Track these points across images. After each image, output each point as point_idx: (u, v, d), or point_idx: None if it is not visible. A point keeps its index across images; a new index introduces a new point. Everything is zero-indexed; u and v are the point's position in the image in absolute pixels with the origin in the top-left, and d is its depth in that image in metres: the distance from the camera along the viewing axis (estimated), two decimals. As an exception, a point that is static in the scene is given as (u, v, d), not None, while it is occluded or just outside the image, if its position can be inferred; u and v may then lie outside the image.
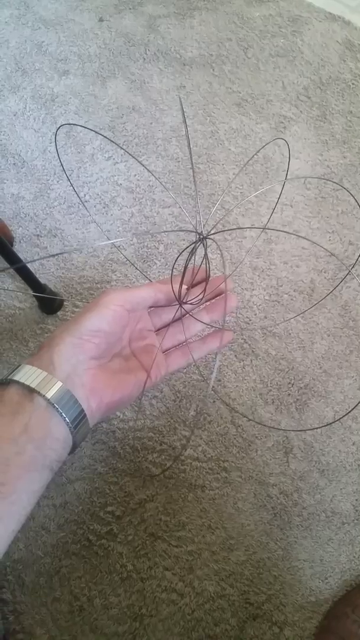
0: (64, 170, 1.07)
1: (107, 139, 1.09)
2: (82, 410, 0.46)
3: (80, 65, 1.20)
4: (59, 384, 0.45)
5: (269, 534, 0.82)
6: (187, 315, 0.58)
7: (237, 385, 0.90)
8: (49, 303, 0.93)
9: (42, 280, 0.93)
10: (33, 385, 0.44)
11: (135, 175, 1.07)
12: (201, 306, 0.58)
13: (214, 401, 0.88)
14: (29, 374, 0.45)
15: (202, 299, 0.57)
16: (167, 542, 0.80)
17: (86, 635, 0.75)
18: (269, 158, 1.09)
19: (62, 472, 0.84)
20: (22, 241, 1.00)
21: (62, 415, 0.45)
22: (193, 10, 1.29)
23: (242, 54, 1.22)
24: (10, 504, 0.42)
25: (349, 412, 0.88)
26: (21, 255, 0.86)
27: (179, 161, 1.08)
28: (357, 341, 0.93)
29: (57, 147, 1.09)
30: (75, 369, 0.47)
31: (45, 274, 0.98)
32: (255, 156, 1.09)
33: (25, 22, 1.27)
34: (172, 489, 0.83)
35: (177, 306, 0.57)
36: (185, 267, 0.55)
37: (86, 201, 1.04)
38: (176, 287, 0.55)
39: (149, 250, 1.00)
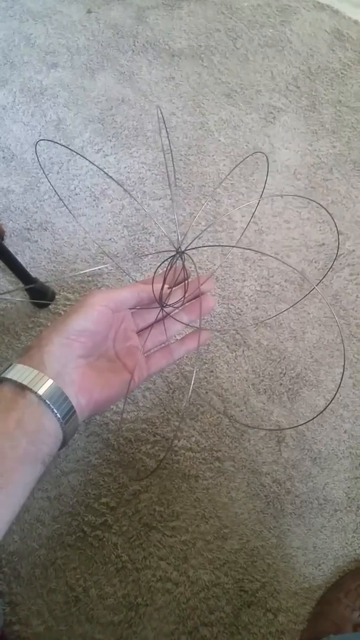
0: (46, 176, 1.07)
1: (82, 156, 1.09)
2: (72, 407, 0.48)
3: (69, 58, 1.20)
4: (50, 382, 0.46)
5: (262, 522, 0.82)
6: (168, 316, 0.59)
7: (229, 376, 0.90)
8: (40, 297, 0.93)
9: (33, 274, 0.93)
10: (25, 383, 0.45)
11: (125, 167, 1.07)
12: (180, 307, 0.59)
13: (206, 392, 0.89)
14: (20, 372, 0.46)
15: (182, 300, 0.58)
16: (162, 532, 0.81)
17: (82, 625, 0.76)
18: (259, 149, 1.09)
19: (57, 465, 0.84)
20: (12, 235, 1.00)
21: (53, 411, 0.46)
22: (181, 1, 1.28)
23: (231, 45, 1.22)
24: (7, 495, 0.43)
25: (332, 399, 0.89)
26: (12, 249, 0.87)
27: (168, 153, 1.08)
28: (347, 330, 0.93)
29: (47, 139, 1.09)
30: (64, 367, 0.48)
31: (36, 267, 0.98)
32: (245, 147, 1.09)
33: (12, 14, 1.26)
34: (166, 480, 0.84)
35: (159, 307, 0.58)
36: (166, 276, 0.56)
37: (76, 194, 1.04)
38: (157, 287, 0.56)
39: (140, 242, 1.00)
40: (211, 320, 0.93)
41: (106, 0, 1.28)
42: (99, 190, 1.05)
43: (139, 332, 0.60)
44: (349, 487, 0.85)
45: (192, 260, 0.56)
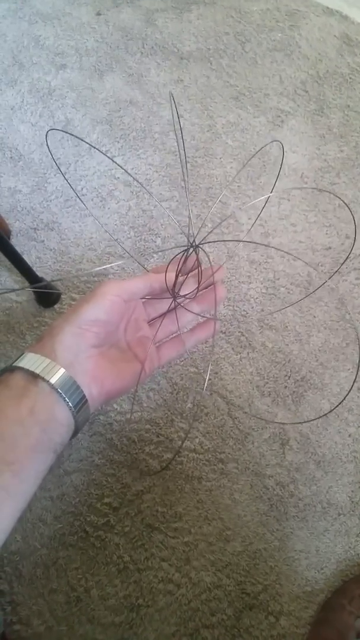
0: (59, 168, 1.07)
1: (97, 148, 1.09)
2: (84, 396, 0.47)
3: (77, 59, 1.20)
4: (61, 371, 0.46)
5: (265, 525, 0.82)
6: (179, 306, 0.59)
7: (234, 378, 0.90)
8: (45, 296, 0.93)
9: (39, 274, 0.93)
10: (37, 371, 0.45)
11: (132, 168, 1.07)
12: (191, 297, 0.59)
13: (210, 393, 0.89)
14: (32, 361, 0.46)
15: (195, 291, 0.58)
16: (164, 533, 0.81)
17: (83, 626, 0.76)
18: (266, 152, 1.09)
19: (60, 464, 0.84)
20: (19, 235, 1.00)
21: (65, 400, 0.46)
22: (191, 4, 1.29)
23: (240, 48, 1.22)
24: (20, 482, 0.43)
25: (341, 401, 0.88)
26: (18, 249, 0.87)
27: (176, 154, 1.09)
28: (353, 334, 0.93)
29: (55, 141, 1.09)
30: (76, 357, 0.48)
31: (42, 267, 0.98)
32: (252, 150, 1.09)
33: (22, 16, 1.27)
34: (168, 481, 0.84)
35: (170, 298, 0.58)
36: (179, 267, 0.56)
37: (83, 195, 1.04)
38: (170, 277, 0.55)
39: (147, 243, 1.00)
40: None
41: (115, 3, 1.29)
42: (106, 191, 1.05)
43: (150, 322, 0.60)
44: (352, 491, 0.84)
45: (206, 253, 0.56)
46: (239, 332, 0.93)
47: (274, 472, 0.85)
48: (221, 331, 0.93)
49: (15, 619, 0.76)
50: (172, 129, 1.11)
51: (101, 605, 0.77)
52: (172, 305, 0.59)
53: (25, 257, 0.89)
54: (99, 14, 1.27)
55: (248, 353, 0.92)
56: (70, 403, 0.46)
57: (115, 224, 1.02)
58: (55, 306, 0.94)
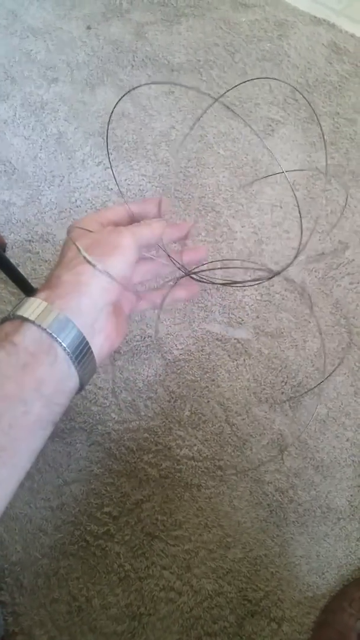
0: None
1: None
2: (94, 361, 0.46)
3: (69, 73, 1.21)
4: (80, 335, 0.43)
5: (265, 531, 0.82)
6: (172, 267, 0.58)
7: (230, 385, 0.90)
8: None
9: (35, 285, 0.94)
10: (55, 334, 0.42)
11: (125, 179, 1.08)
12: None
13: (208, 401, 0.89)
14: (52, 318, 0.42)
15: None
16: (164, 542, 0.81)
17: (85, 636, 0.76)
18: (258, 160, 1.10)
19: (59, 474, 0.84)
20: (14, 247, 1.01)
21: (76, 368, 0.43)
22: (180, 16, 1.30)
23: (230, 59, 1.24)
24: (11, 468, 0.40)
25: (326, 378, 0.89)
26: (13, 261, 0.87)
27: (168, 165, 1.09)
28: (348, 338, 0.94)
29: (48, 153, 1.10)
30: (98, 315, 0.46)
31: (37, 278, 0.98)
32: (244, 158, 1.10)
33: (13, 32, 1.28)
34: (168, 489, 0.84)
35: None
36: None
37: (77, 206, 1.05)
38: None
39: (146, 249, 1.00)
40: (212, 330, 0.94)
41: (106, 17, 1.30)
42: (100, 202, 1.06)
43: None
44: (352, 495, 0.84)
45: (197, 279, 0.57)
46: (235, 338, 0.93)
47: (273, 478, 0.85)
48: (217, 339, 0.93)
49: (18, 630, 0.76)
50: (164, 139, 1.12)
51: (103, 614, 0.77)
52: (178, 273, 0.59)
53: (20, 269, 0.89)
54: (89, 28, 1.28)
55: (244, 360, 0.92)
56: (81, 370, 0.44)
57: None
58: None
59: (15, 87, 1.19)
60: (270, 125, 1.14)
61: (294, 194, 1.06)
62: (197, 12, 1.31)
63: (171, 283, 0.59)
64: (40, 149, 1.11)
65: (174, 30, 1.28)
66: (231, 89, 1.17)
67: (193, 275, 0.58)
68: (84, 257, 0.45)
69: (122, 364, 0.91)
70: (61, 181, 1.08)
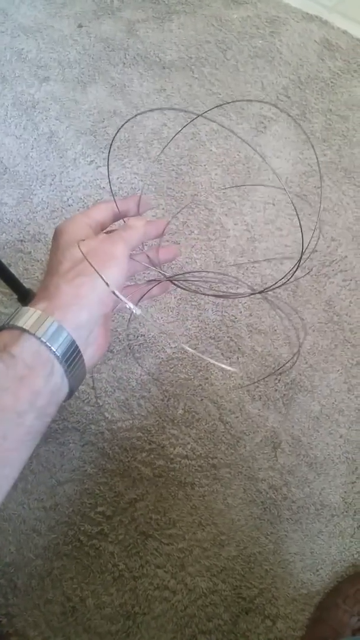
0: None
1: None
2: (85, 373, 0.46)
3: (60, 71, 1.21)
4: (76, 349, 0.44)
5: (259, 528, 0.82)
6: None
7: (224, 383, 0.90)
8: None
9: (27, 285, 0.93)
10: (54, 348, 0.42)
11: (117, 178, 1.08)
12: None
13: (201, 399, 0.89)
14: (52, 332, 0.42)
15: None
16: (158, 540, 0.81)
17: (80, 636, 0.76)
18: (250, 158, 1.10)
19: (52, 475, 0.84)
20: (6, 247, 1.01)
21: (68, 380, 0.44)
22: (171, 14, 1.30)
23: (221, 56, 1.23)
24: (2, 479, 0.41)
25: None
26: (5, 261, 0.87)
27: (161, 163, 1.09)
28: (341, 335, 0.94)
29: (40, 152, 1.10)
30: (94, 327, 0.47)
31: (30, 278, 0.98)
32: (236, 156, 1.10)
33: (4, 30, 1.27)
34: (161, 488, 0.84)
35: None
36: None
37: (69, 205, 1.05)
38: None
39: (132, 251, 1.00)
40: (205, 328, 0.94)
41: (97, 15, 1.30)
42: (92, 201, 1.05)
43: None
44: (345, 492, 0.84)
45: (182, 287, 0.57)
46: (228, 337, 0.93)
47: (266, 476, 0.85)
48: (210, 336, 0.93)
49: (12, 631, 0.76)
50: (156, 137, 1.12)
51: (97, 614, 0.77)
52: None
53: (12, 269, 0.89)
54: (80, 26, 1.28)
55: (238, 357, 0.92)
56: (72, 382, 0.44)
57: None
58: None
59: (6, 86, 1.19)
60: (262, 122, 1.14)
61: (289, 196, 1.06)
62: (188, 9, 1.30)
63: (149, 284, 0.60)
64: (32, 148, 1.11)
65: (166, 28, 1.28)
66: (213, 108, 1.17)
67: (175, 282, 0.59)
68: (100, 277, 0.45)
69: (115, 363, 0.91)
70: (53, 180, 1.07)
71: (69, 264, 0.47)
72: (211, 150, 1.11)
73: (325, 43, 1.25)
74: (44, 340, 0.41)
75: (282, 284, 0.59)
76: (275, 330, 0.94)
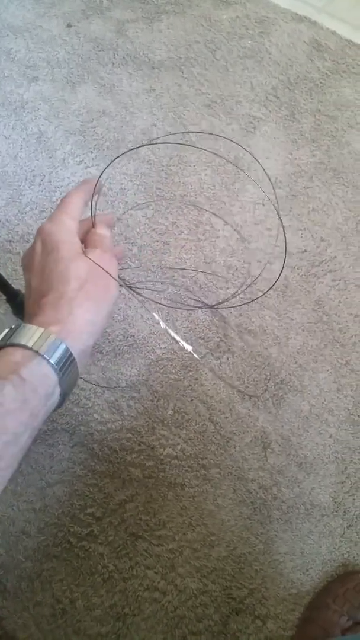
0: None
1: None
2: (75, 382, 0.48)
3: (49, 71, 1.21)
4: (77, 375, 0.46)
5: (249, 528, 0.82)
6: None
7: (214, 383, 0.90)
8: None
9: (16, 286, 0.93)
10: (53, 361, 0.43)
11: (107, 178, 1.07)
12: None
13: (191, 400, 0.89)
14: (53, 348, 0.44)
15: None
16: (148, 541, 0.81)
17: (69, 638, 0.75)
18: (240, 158, 1.10)
19: (42, 476, 0.84)
20: (-6, 247, 1.00)
21: (63, 396, 0.45)
22: (161, 14, 1.30)
23: (211, 56, 1.23)
24: None
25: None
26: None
27: (150, 163, 1.09)
28: (330, 335, 0.94)
29: (29, 153, 1.09)
30: (89, 337, 0.48)
31: (19, 279, 0.98)
32: (226, 157, 1.10)
33: (-7, 30, 1.27)
34: (151, 489, 0.83)
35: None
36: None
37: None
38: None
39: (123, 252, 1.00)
40: (195, 328, 0.94)
41: (86, 15, 1.30)
42: (81, 201, 1.05)
43: None
44: (335, 492, 0.85)
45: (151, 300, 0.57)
46: (218, 337, 0.93)
47: (256, 476, 0.85)
48: (200, 337, 0.93)
49: (1, 633, 0.76)
50: (145, 137, 1.12)
51: (87, 616, 0.76)
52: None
53: (1, 270, 0.89)
54: (69, 25, 1.28)
55: (227, 358, 0.92)
56: (64, 397, 0.45)
57: (91, 234, 1.02)
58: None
59: (-5, 86, 1.18)
60: (252, 123, 1.14)
61: (275, 195, 1.06)
62: (177, 10, 1.30)
63: None
64: (21, 148, 1.10)
65: (155, 28, 1.28)
66: (198, 132, 1.17)
67: (133, 287, 0.60)
68: (123, 285, 0.49)
69: (104, 364, 0.91)
70: (42, 180, 1.07)
71: (76, 284, 0.49)
72: (201, 150, 1.11)
73: (315, 43, 1.25)
74: (57, 367, 0.43)
75: (237, 305, 0.60)
76: (265, 330, 0.94)
